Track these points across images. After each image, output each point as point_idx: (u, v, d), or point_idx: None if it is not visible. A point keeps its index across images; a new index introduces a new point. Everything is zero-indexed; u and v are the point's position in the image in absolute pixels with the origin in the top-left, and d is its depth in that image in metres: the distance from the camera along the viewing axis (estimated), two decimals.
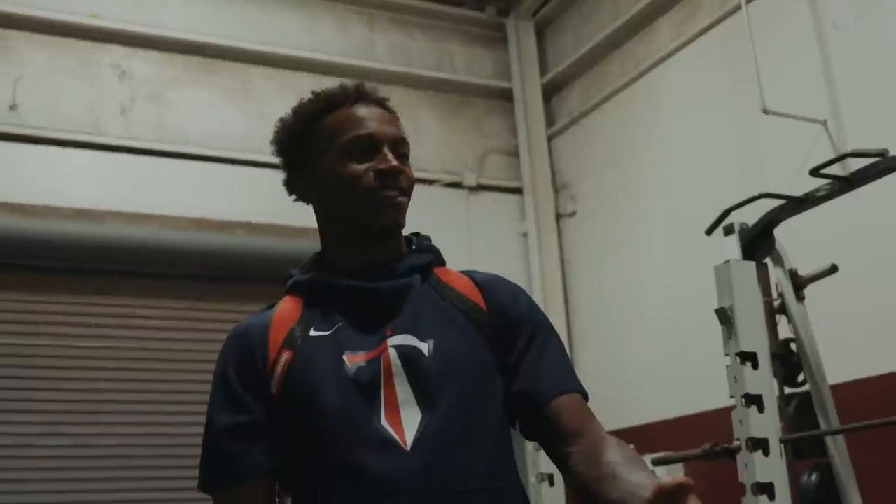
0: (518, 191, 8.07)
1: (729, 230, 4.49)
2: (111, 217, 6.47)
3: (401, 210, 1.89)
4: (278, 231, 6.81)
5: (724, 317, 3.13)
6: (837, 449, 4.25)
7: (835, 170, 4.37)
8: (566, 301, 7.72)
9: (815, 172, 4.27)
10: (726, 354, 3.16)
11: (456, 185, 7.84)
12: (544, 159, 8.07)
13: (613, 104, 7.48)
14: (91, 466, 6.18)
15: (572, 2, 8.02)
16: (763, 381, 3.08)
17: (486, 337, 1.84)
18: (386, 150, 1.89)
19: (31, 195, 6.34)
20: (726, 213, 4.59)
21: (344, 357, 1.75)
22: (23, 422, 6.10)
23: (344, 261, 1.90)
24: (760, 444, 3.00)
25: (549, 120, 8.21)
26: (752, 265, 3.37)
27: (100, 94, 6.85)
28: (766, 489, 2.97)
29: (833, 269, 4.45)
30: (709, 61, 6.53)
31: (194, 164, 6.96)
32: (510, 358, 1.84)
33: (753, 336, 3.11)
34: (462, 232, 7.56)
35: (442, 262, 2.01)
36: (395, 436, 1.68)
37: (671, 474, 5.86)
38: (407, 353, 1.76)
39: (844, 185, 4.24)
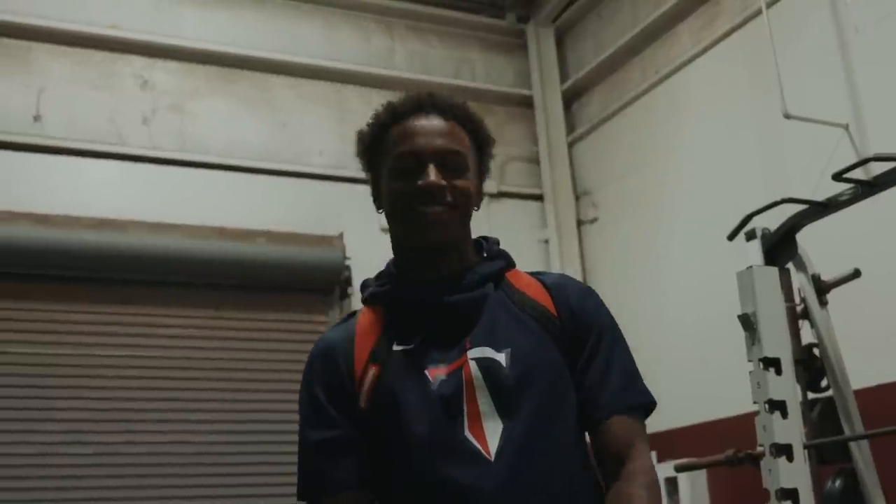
0: (539, 198, 8.05)
1: (751, 235, 4.46)
2: (133, 227, 6.50)
3: (445, 225, 1.90)
4: (299, 240, 6.84)
5: (748, 323, 3.11)
6: (861, 454, 4.21)
7: (857, 174, 4.33)
8: None
9: (837, 177, 4.24)
10: (749, 360, 3.14)
11: None
12: (565, 166, 8.06)
13: (634, 110, 7.46)
14: (113, 475, 6.20)
15: (592, 8, 8.01)
16: (786, 386, 3.06)
17: (557, 341, 1.89)
18: (430, 166, 1.90)
19: (54, 205, 6.39)
20: (748, 218, 4.57)
21: (426, 372, 1.81)
22: (45, 430, 6.13)
23: (416, 273, 1.94)
24: (784, 450, 2.98)
25: (570, 126, 8.20)
26: (774, 271, 3.35)
27: (121, 104, 6.89)
28: (791, 495, 2.95)
29: (856, 273, 4.43)
30: (730, 66, 6.51)
31: (216, 173, 6.99)
32: (577, 363, 1.89)
33: (777, 342, 3.09)
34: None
35: (512, 266, 2.05)
36: (479, 447, 1.74)
37: (693, 481, 5.84)
38: (486, 366, 1.80)
39: (867, 189, 4.21)
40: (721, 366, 5.92)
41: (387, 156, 1.96)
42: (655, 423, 6.91)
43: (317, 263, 6.86)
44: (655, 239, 7.06)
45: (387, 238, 7.20)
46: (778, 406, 2.99)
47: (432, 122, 1.96)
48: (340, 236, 6.95)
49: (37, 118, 6.61)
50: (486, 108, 8.20)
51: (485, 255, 2.04)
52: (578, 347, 1.90)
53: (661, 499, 1.86)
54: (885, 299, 4.99)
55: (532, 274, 2.05)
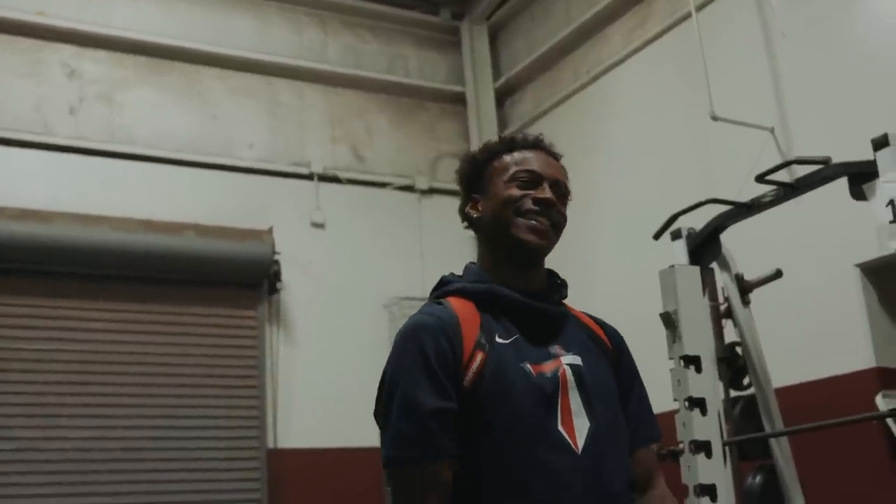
0: None
1: (676, 235, 4.53)
2: (59, 218, 6.40)
3: (547, 236, 2.13)
4: (228, 233, 6.78)
5: (669, 321, 3.14)
6: (781, 451, 4.30)
7: (781, 176, 4.42)
8: None
9: (760, 178, 4.32)
10: (670, 358, 3.17)
11: (408, 188, 7.84)
12: None
13: (566, 109, 7.52)
14: (37, 471, 6.11)
15: (525, 7, 8.05)
16: (706, 384, 3.09)
17: (613, 368, 2.17)
18: (546, 185, 2.14)
19: None
20: (674, 217, 4.63)
21: (528, 367, 2.00)
22: None
23: (501, 279, 2.13)
24: (703, 447, 3.01)
25: (502, 124, 8.23)
26: (696, 270, 3.39)
27: (47, 93, 6.78)
28: (709, 491, 2.98)
29: (778, 274, 4.51)
30: (660, 68, 6.58)
31: (144, 165, 6.92)
32: (620, 393, 2.15)
33: (697, 340, 3.12)
34: (414, 235, 7.56)
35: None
36: (569, 440, 1.96)
37: None
38: (577, 371, 2.04)
39: (790, 191, 4.29)
40: (648, 363, 5.97)
41: (502, 172, 2.17)
42: None
43: (246, 257, 6.80)
44: (584, 237, 7.10)
45: (316, 232, 7.12)
46: (697, 403, 3.02)
47: (548, 157, 2.21)
48: (270, 230, 6.91)
49: None
50: (419, 105, 8.21)
51: (558, 281, 2.26)
52: (621, 379, 2.17)
53: None
54: (806, 299, 5.08)
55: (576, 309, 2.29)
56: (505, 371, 1.97)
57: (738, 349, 4.50)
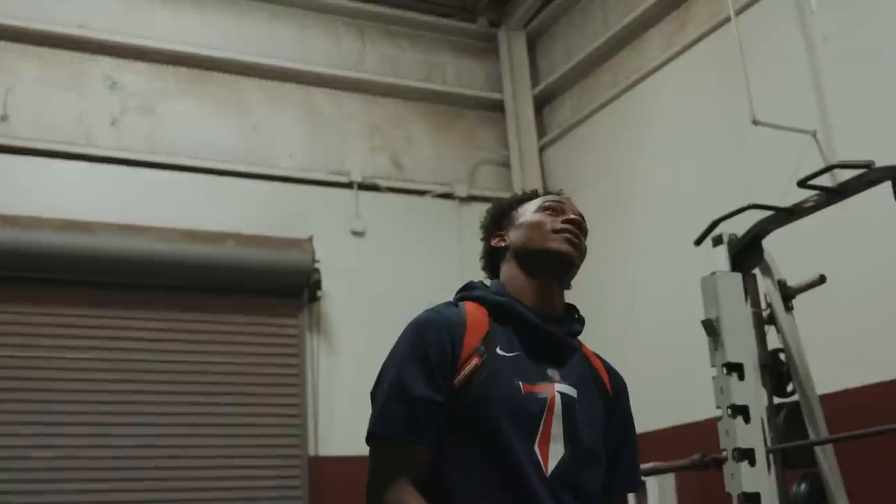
0: None
1: (717, 241, 4.49)
2: (101, 228, 6.46)
3: (580, 250, 2.29)
4: (268, 242, 6.82)
5: (711, 328, 3.13)
6: (826, 459, 4.24)
7: (823, 181, 4.38)
8: None
9: (803, 183, 4.27)
10: (712, 365, 3.16)
11: (447, 196, 7.84)
12: (535, 170, 8.07)
13: (605, 115, 7.49)
14: (82, 478, 6.16)
15: (563, 13, 8.03)
16: (749, 391, 3.07)
17: (606, 413, 2.25)
18: (570, 213, 2.32)
19: (21, 206, 6.34)
20: (715, 224, 4.59)
21: (520, 383, 2.09)
22: (14, 434, 6.09)
23: (525, 303, 2.24)
24: (746, 455, 3.00)
25: (541, 131, 8.22)
26: (738, 276, 3.37)
27: (90, 105, 6.85)
28: (753, 499, 2.96)
29: (821, 279, 4.45)
30: (699, 73, 6.54)
31: (184, 175, 6.97)
32: (610, 440, 2.24)
33: (740, 347, 3.10)
34: (453, 243, 7.56)
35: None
36: (541, 461, 2.05)
37: (662, 484, 5.86)
38: (567, 401, 2.13)
39: (832, 196, 4.25)
40: (690, 370, 5.92)
41: (532, 206, 2.34)
42: None
43: (286, 266, 6.83)
44: (626, 243, 7.08)
45: (356, 241, 7.15)
46: (740, 411, 3.00)
47: (573, 204, 2.39)
48: (310, 239, 6.93)
49: (3, 118, 6.56)
50: (457, 112, 8.21)
51: (576, 316, 2.36)
52: (615, 426, 2.27)
53: None
54: (850, 305, 5.02)
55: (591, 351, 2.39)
56: (496, 381, 2.07)
57: (782, 356, 4.45)
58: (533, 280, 2.27)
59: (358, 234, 7.32)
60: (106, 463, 6.24)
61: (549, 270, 2.27)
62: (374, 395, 2.16)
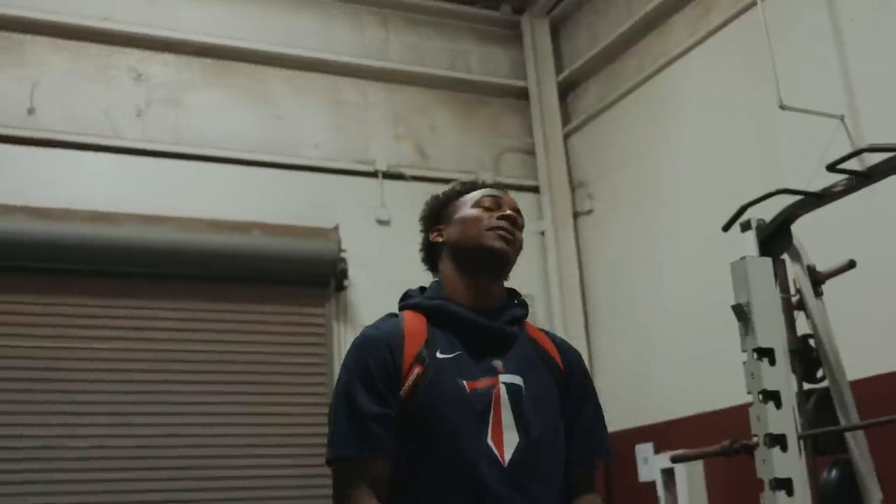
0: (535, 189, 8.05)
1: (746, 226, 4.45)
2: (128, 220, 6.49)
3: (514, 246, 2.35)
4: (294, 232, 6.83)
5: (741, 313, 3.11)
6: (857, 445, 4.22)
7: (852, 165, 4.33)
8: (584, 300, 7.70)
9: (832, 168, 4.24)
10: (743, 350, 3.14)
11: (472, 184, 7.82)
12: (560, 157, 8.06)
13: (630, 101, 7.46)
14: (108, 468, 6.21)
15: None
16: (780, 377, 3.06)
17: (559, 389, 2.33)
18: (506, 208, 2.39)
19: (49, 199, 6.38)
20: (743, 209, 4.56)
21: (463, 382, 2.19)
22: (42, 424, 6.13)
23: (462, 300, 2.33)
24: (778, 440, 2.98)
25: (565, 118, 8.20)
26: (768, 261, 3.35)
27: (116, 97, 6.88)
28: (785, 485, 2.95)
29: (851, 264, 4.42)
30: (725, 57, 6.50)
31: (210, 165, 6.99)
32: (566, 412, 2.33)
33: (770, 332, 3.09)
34: None
35: (527, 315, 2.46)
36: (497, 453, 2.13)
37: (690, 471, 5.85)
38: (513, 390, 2.21)
39: (862, 180, 4.21)
40: (718, 357, 5.91)
41: (468, 201, 2.42)
42: (652, 415, 6.95)
43: (312, 256, 6.85)
44: (652, 230, 7.06)
45: (382, 230, 7.16)
46: (772, 396, 2.99)
47: (507, 196, 2.48)
48: (336, 228, 6.94)
49: (31, 111, 6.60)
50: (481, 100, 8.20)
51: (516, 302, 2.43)
52: (569, 401, 2.34)
53: None
54: (880, 290, 4.99)
55: (540, 329, 2.47)
56: (438, 385, 2.17)
57: (811, 341, 4.43)
58: (468, 277, 2.35)
59: (383, 222, 7.32)
60: (131, 452, 6.28)
61: (483, 267, 2.34)
62: (329, 418, 2.25)
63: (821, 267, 4.45)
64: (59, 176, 6.54)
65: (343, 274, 6.93)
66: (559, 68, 8.24)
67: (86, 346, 6.37)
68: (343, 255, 6.90)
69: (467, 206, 2.41)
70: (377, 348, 2.24)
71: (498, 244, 2.31)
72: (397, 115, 7.80)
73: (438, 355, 2.22)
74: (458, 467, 2.11)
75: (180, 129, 7.01)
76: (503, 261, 2.34)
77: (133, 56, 7.02)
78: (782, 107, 5.53)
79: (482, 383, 2.19)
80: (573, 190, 8.00)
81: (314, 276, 6.94)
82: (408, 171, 7.59)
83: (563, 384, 2.34)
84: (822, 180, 4.41)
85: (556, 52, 8.30)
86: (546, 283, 7.75)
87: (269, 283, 6.88)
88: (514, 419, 2.18)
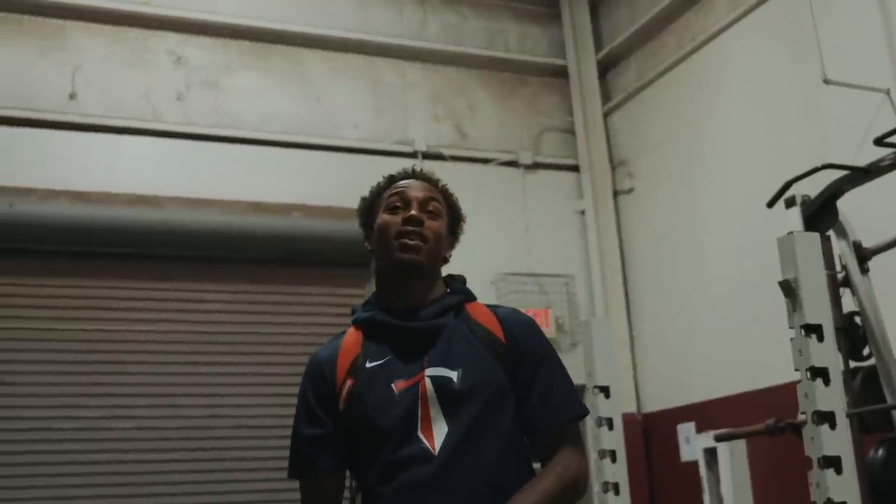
0: (575, 168, 8.00)
1: (791, 202, 4.40)
2: (169, 203, 6.53)
3: (417, 251, 2.34)
4: (334, 213, 6.83)
5: (789, 289, 3.06)
6: None
7: None
8: (625, 279, 7.66)
9: (879, 142, 4.18)
10: (791, 327, 3.09)
11: (512, 163, 7.80)
12: (601, 136, 8.00)
13: (670, 78, 7.38)
14: (153, 448, 6.28)
15: None
16: (828, 353, 3.01)
17: (503, 363, 2.32)
18: (414, 205, 2.39)
19: (91, 183, 6.44)
20: (788, 185, 4.50)
21: (392, 385, 2.27)
22: (88, 405, 6.22)
23: (391, 302, 2.39)
24: (827, 418, 2.93)
25: (605, 96, 8.14)
26: (816, 236, 3.29)
27: (155, 81, 6.91)
28: (833, 463, 2.90)
29: None
30: (767, 32, 6.41)
31: (250, 148, 7.01)
32: (519, 383, 2.33)
33: (818, 308, 3.04)
34: (519, 211, 7.54)
35: (473, 299, 2.48)
36: (427, 445, 2.21)
37: (733, 450, 5.80)
38: (439, 381, 2.26)
39: None
40: (760, 335, 5.87)
41: (382, 204, 2.44)
42: (694, 394, 6.88)
43: (352, 237, 6.74)
44: (693, 208, 7.00)
45: None
46: (820, 373, 2.94)
47: (420, 181, 2.49)
48: None
49: (72, 96, 6.65)
50: (521, 79, 8.15)
51: (447, 290, 2.46)
52: (519, 371, 2.33)
53: (569, 488, 2.25)
54: None
55: (488, 306, 2.47)
56: (369, 392, 2.27)
57: (857, 319, 4.37)
58: (394, 283, 2.39)
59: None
60: (173, 434, 6.36)
61: (399, 276, 2.37)
62: None
63: (867, 243, 4.39)
64: (101, 160, 6.58)
65: None
66: (598, 46, 8.17)
67: (128, 329, 6.44)
68: None
69: (381, 209, 2.43)
70: (312, 375, 2.41)
71: (405, 256, 2.33)
72: (436, 96, 7.77)
73: (367, 364, 2.32)
74: (389, 467, 2.22)
75: (220, 111, 7.03)
76: (413, 269, 2.35)
77: (171, 39, 7.05)
78: (826, 81, 5.45)
79: (406, 382, 2.27)
80: (613, 169, 7.95)
81: (354, 256, 6.93)
82: (447, 152, 7.57)
83: (509, 357, 2.33)
84: (867, 155, 4.35)
85: (595, 30, 8.23)
86: (587, 263, 7.71)
87: (309, 264, 6.91)
88: (442, 410, 2.24)
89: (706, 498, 6.00)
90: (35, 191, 6.26)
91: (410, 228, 2.34)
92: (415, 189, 2.44)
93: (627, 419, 5.17)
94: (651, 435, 7.22)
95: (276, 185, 6.92)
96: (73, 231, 6.29)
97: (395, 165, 8.11)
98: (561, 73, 8.22)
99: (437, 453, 2.20)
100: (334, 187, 7.01)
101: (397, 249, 2.33)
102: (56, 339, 6.26)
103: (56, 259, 6.37)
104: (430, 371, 2.27)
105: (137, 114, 6.79)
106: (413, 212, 2.36)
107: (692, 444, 6.54)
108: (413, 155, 7.40)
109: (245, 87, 7.16)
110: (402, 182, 2.47)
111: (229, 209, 6.66)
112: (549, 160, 7.92)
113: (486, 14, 8.16)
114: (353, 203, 7.48)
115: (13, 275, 6.30)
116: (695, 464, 6.22)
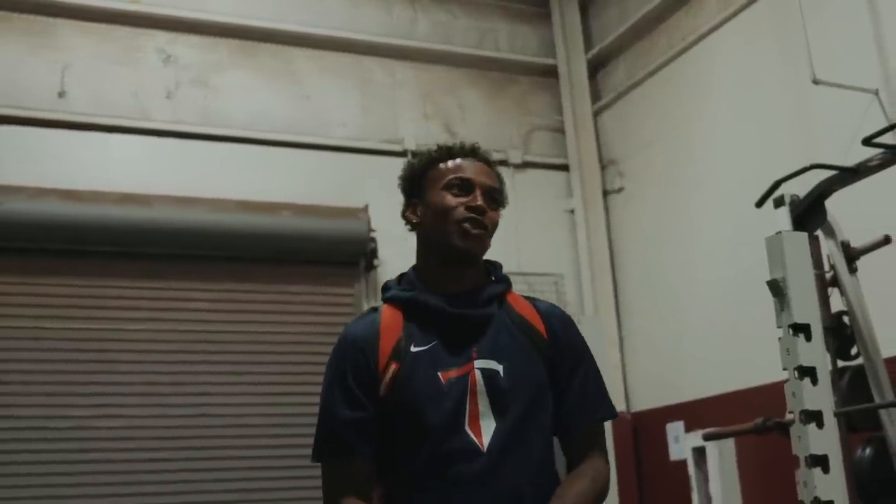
0: (564, 168, 8.01)
1: (779, 202, 4.41)
2: (158, 201, 6.52)
3: (479, 242, 2.31)
4: (323, 212, 6.83)
5: (777, 289, 3.07)
6: (892, 422, 4.18)
7: (887, 139, 4.28)
8: (614, 278, 7.67)
9: (867, 142, 4.18)
10: (779, 326, 3.10)
11: (501, 162, 7.78)
12: (590, 135, 8.01)
13: (660, 78, 7.40)
14: (142, 447, 6.27)
15: None
16: (816, 353, 3.02)
17: (544, 359, 2.31)
18: (478, 192, 2.34)
19: (80, 181, 6.42)
20: (776, 184, 4.51)
21: (439, 373, 2.21)
22: (78, 405, 6.20)
23: (434, 284, 2.33)
24: (814, 417, 2.94)
25: (595, 95, 8.15)
26: (804, 236, 3.30)
27: (144, 79, 6.90)
28: (821, 461, 2.91)
29: (886, 240, 4.37)
30: (757, 32, 6.43)
31: (239, 146, 7.01)
32: (557, 379, 2.31)
33: (806, 308, 3.04)
34: (508, 210, 7.48)
35: (511, 288, 2.44)
36: (476, 440, 2.16)
37: (722, 449, 5.82)
38: (488, 375, 2.22)
39: None
40: (748, 335, 5.88)
41: (439, 180, 2.35)
42: (683, 393, 6.90)
43: (341, 236, 6.85)
44: (683, 207, 7.02)
45: None
46: (808, 372, 2.95)
47: (481, 165, 2.41)
48: (365, 208, 6.93)
49: (62, 94, 6.64)
50: (510, 78, 8.16)
51: (493, 278, 2.42)
52: (559, 368, 2.32)
53: (602, 492, 2.25)
54: None
55: (526, 298, 2.45)
56: (415, 379, 2.20)
57: (845, 318, 4.38)
58: (441, 266, 2.34)
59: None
60: (163, 433, 6.34)
61: (453, 261, 2.32)
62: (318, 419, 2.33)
63: (855, 243, 4.41)
64: (90, 158, 6.58)
65: (373, 253, 6.93)
66: (588, 46, 8.18)
67: (117, 328, 6.42)
68: (373, 234, 6.90)
69: (438, 187, 2.35)
70: (351, 352, 2.27)
71: (466, 245, 2.29)
72: (425, 94, 7.77)
73: (413, 349, 2.24)
74: (436, 460, 2.16)
75: (209, 110, 7.02)
76: (471, 257, 2.32)
77: (160, 38, 7.04)
78: (816, 81, 5.46)
79: (457, 372, 2.22)
80: (603, 168, 7.96)
81: (344, 255, 6.95)
82: None
83: (549, 353, 2.32)
84: (855, 156, 4.36)
85: (585, 30, 8.24)
86: (576, 262, 7.72)
87: (298, 263, 6.90)
88: (491, 404, 2.20)
89: (695, 496, 6.01)
90: (24, 189, 6.24)
91: (475, 216, 2.29)
92: (479, 174, 2.38)
93: (616, 418, 5.18)
94: (640, 434, 7.23)
95: (265, 184, 6.91)
96: (62, 229, 6.28)
97: (384, 164, 8.09)
98: (551, 73, 8.23)
99: (485, 449, 2.16)
100: (323, 186, 7.02)
101: (458, 235, 2.28)
102: (45, 336, 6.24)
103: (44, 257, 6.34)
104: (479, 363, 2.23)
105: (127, 112, 6.78)
106: (479, 202, 2.31)
107: (681, 443, 6.56)
108: (402, 153, 7.39)
109: (234, 86, 7.15)
110: (463, 162, 2.40)
111: (218, 207, 6.65)
112: (538, 159, 7.93)
113: (475, 13, 8.16)
114: (343, 202, 7.46)
115: (1, 273, 6.27)
116: (683, 463, 6.23)
